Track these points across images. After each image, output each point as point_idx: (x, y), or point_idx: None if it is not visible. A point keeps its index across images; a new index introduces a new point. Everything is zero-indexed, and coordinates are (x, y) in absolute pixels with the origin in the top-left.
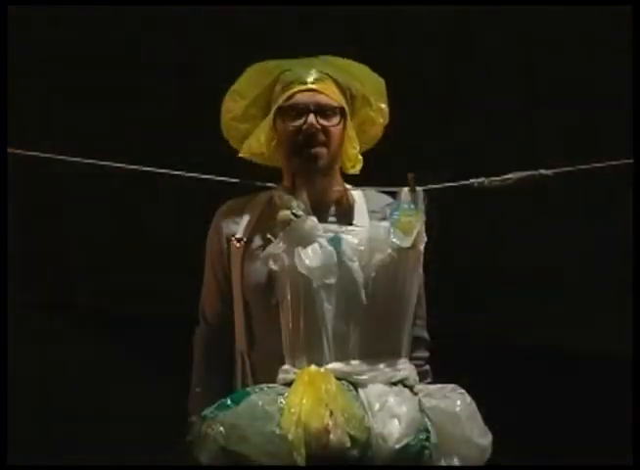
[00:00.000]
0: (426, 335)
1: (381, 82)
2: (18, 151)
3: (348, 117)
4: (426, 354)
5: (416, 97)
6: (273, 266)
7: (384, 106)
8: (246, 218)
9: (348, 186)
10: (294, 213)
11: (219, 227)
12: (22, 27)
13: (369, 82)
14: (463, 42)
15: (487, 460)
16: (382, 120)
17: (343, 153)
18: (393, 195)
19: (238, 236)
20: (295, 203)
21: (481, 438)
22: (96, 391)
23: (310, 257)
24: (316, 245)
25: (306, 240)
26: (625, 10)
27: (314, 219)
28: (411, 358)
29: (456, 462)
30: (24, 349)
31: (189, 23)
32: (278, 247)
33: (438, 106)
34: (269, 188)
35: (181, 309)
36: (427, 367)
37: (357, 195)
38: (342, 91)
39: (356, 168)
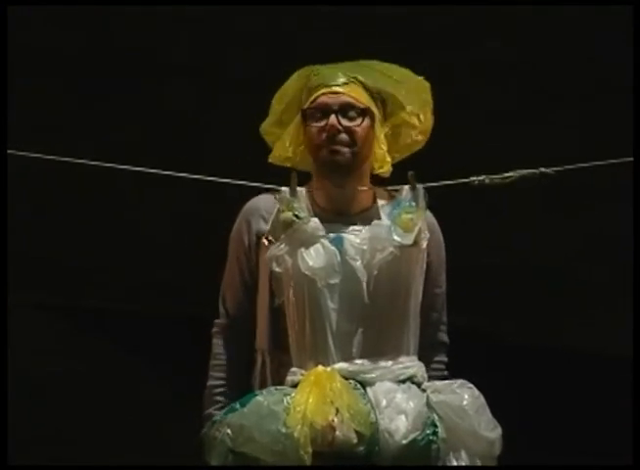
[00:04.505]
0: (447, 339)
1: (422, 86)
2: (18, 151)
3: (377, 119)
4: (446, 359)
5: None
6: (276, 268)
7: (422, 109)
8: (274, 217)
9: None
10: (296, 215)
11: (248, 223)
12: (21, 27)
13: (407, 85)
14: (462, 42)
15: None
16: (418, 124)
17: (372, 155)
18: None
19: (267, 235)
20: (296, 204)
21: (490, 431)
22: (96, 391)
23: (313, 257)
24: (319, 245)
25: (309, 241)
26: (625, 10)
27: (316, 220)
28: (433, 362)
29: (464, 456)
30: (24, 349)
31: (192, 24)
32: (280, 248)
33: (439, 105)
34: (272, 190)
35: (183, 310)
36: (446, 373)
37: (384, 199)
38: (370, 94)
39: (384, 169)
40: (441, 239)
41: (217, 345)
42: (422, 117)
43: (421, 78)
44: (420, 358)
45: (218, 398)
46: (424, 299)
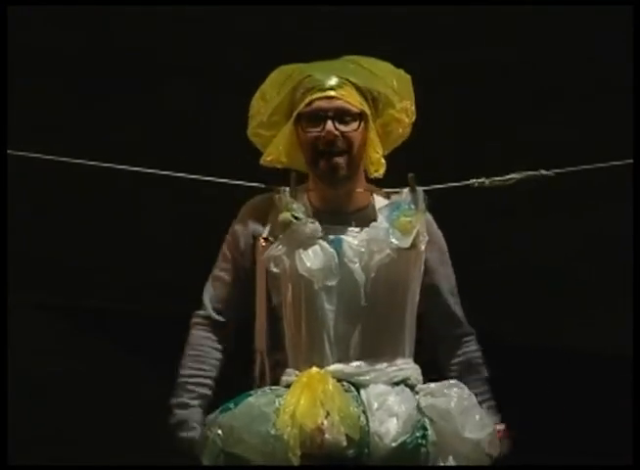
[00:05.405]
0: (472, 329)
1: (406, 79)
2: (18, 151)
3: (370, 121)
4: (478, 347)
5: (415, 95)
6: (274, 269)
7: (409, 104)
8: (271, 218)
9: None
10: (294, 216)
11: (246, 223)
12: (21, 27)
13: (393, 81)
14: (462, 42)
15: (491, 456)
16: (407, 119)
17: (367, 157)
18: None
19: (265, 236)
20: (295, 205)
21: (474, 432)
22: (96, 391)
23: (311, 258)
24: (317, 247)
25: (307, 242)
26: (625, 10)
27: (315, 222)
28: (466, 354)
29: (451, 460)
30: (24, 349)
31: (192, 24)
32: (278, 249)
33: (439, 105)
34: (269, 190)
35: (183, 310)
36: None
37: (381, 199)
38: (362, 95)
39: (380, 172)
40: (440, 235)
41: (196, 336)
42: (409, 112)
43: (402, 71)
44: (444, 353)
45: (194, 387)
46: (432, 296)
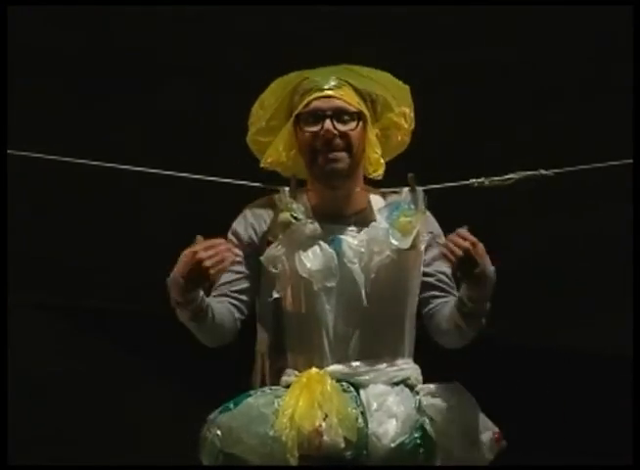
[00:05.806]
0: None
1: (405, 88)
2: (18, 151)
3: (369, 122)
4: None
5: (414, 95)
6: (273, 270)
7: (408, 110)
8: (273, 219)
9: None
10: (294, 216)
11: (252, 224)
12: (22, 27)
13: (392, 88)
14: (462, 42)
15: (488, 458)
16: (406, 125)
17: (365, 158)
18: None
19: (267, 237)
20: (295, 205)
21: (478, 435)
22: (96, 391)
23: (311, 259)
24: (316, 247)
25: (306, 243)
26: (625, 10)
27: (314, 222)
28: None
29: (450, 460)
30: (24, 349)
31: (192, 24)
32: (278, 250)
33: (438, 105)
34: (270, 190)
35: None
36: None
37: (379, 200)
38: (361, 97)
39: (378, 173)
40: (436, 225)
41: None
42: (408, 118)
43: (401, 82)
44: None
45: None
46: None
